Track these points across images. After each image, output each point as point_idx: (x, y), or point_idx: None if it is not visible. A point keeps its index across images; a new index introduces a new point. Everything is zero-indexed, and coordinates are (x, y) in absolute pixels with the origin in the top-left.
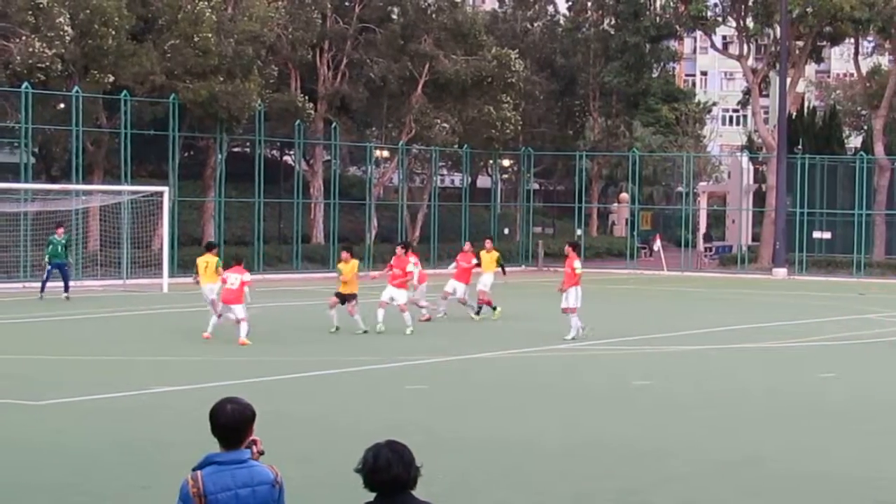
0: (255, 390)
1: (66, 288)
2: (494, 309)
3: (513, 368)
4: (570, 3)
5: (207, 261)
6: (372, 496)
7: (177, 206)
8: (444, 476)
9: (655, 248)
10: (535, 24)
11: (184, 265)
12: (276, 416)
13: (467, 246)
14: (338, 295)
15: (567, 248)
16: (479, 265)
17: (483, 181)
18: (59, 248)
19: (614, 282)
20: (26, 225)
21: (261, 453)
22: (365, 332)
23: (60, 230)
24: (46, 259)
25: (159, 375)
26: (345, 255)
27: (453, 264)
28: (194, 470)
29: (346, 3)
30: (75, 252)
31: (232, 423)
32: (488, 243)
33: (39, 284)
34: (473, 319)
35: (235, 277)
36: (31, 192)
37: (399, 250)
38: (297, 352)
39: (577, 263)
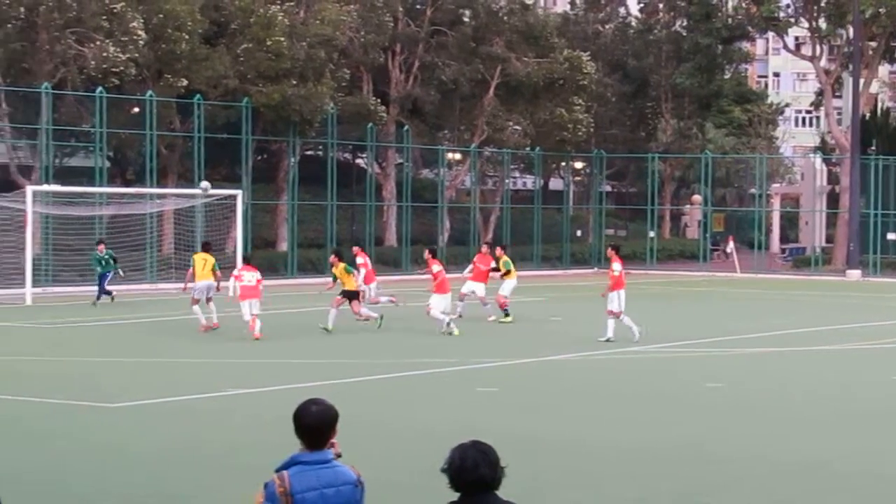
0: (327, 393)
1: (99, 296)
2: (506, 315)
3: (583, 371)
4: (641, 5)
5: (205, 258)
6: (455, 496)
7: (250, 210)
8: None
9: (728, 250)
10: (607, 26)
11: (258, 268)
12: (350, 419)
13: (485, 248)
14: (344, 293)
15: (609, 251)
16: (497, 269)
17: (555, 183)
18: (102, 262)
19: (687, 284)
20: (101, 228)
21: (338, 455)
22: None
23: (101, 247)
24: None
25: (232, 378)
26: (333, 258)
27: (470, 267)
28: (279, 470)
29: (418, 6)
30: (149, 255)
31: (316, 424)
32: (498, 251)
33: (109, 288)
34: (491, 321)
35: (251, 276)
36: (105, 195)
37: (484, 248)
38: (368, 354)
39: (616, 266)
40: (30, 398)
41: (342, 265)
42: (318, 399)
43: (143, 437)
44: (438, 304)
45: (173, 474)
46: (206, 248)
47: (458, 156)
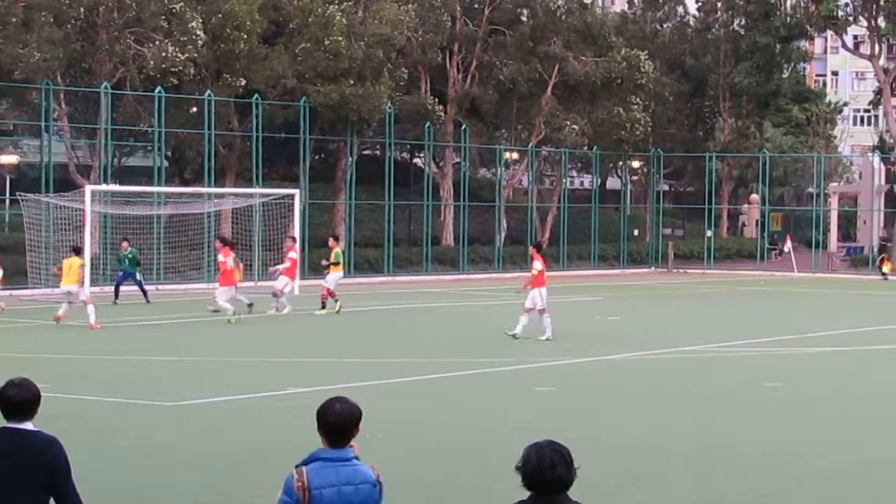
0: (384, 392)
1: (116, 295)
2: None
3: (642, 370)
4: (699, 4)
5: (71, 262)
6: (523, 494)
7: (308, 209)
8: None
9: (786, 249)
10: (665, 25)
11: (315, 267)
12: (410, 418)
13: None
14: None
15: (531, 249)
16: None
17: (612, 183)
18: (126, 261)
19: (745, 283)
20: (159, 228)
21: (355, 457)
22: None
23: (125, 244)
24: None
25: (291, 376)
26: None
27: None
28: (300, 465)
29: (476, 6)
30: (207, 255)
31: (340, 422)
32: (331, 241)
33: (167, 288)
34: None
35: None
36: (164, 195)
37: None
38: (427, 353)
39: (538, 264)
40: (89, 396)
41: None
42: (342, 397)
43: (202, 436)
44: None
45: (232, 473)
46: (77, 252)
47: (515, 155)
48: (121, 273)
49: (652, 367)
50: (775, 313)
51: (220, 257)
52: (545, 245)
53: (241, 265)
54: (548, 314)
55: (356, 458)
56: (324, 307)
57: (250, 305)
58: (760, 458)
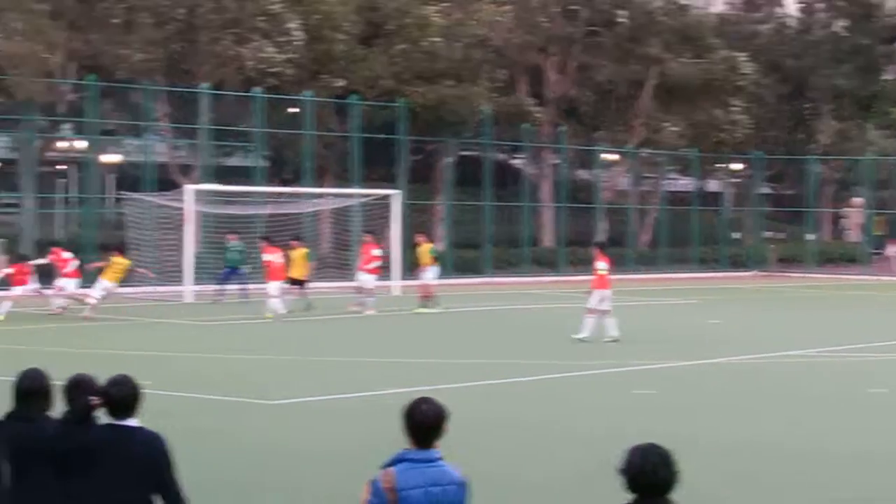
0: (483, 394)
1: (220, 293)
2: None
3: (744, 373)
4: (802, 5)
5: (120, 262)
6: (626, 497)
7: (406, 210)
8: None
9: (890, 253)
10: (765, 27)
11: (412, 268)
12: (508, 419)
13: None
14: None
15: (594, 250)
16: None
17: (713, 185)
18: (233, 253)
19: (848, 287)
20: (259, 227)
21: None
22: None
23: (233, 237)
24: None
25: (387, 377)
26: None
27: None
28: (386, 466)
29: (573, 7)
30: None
31: (426, 423)
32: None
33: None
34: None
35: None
36: (263, 195)
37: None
38: (524, 355)
39: (601, 265)
40: (190, 394)
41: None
42: (428, 398)
43: (301, 435)
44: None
45: (331, 472)
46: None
47: (614, 157)
48: (225, 269)
49: (754, 371)
50: (879, 318)
51: (266, 256)
52: (645, 246)
53: (311, 263)
54: (609, 317)
55: (441, 458)
56: (427, 306)
57: (307, 308)
58: (860, 464)
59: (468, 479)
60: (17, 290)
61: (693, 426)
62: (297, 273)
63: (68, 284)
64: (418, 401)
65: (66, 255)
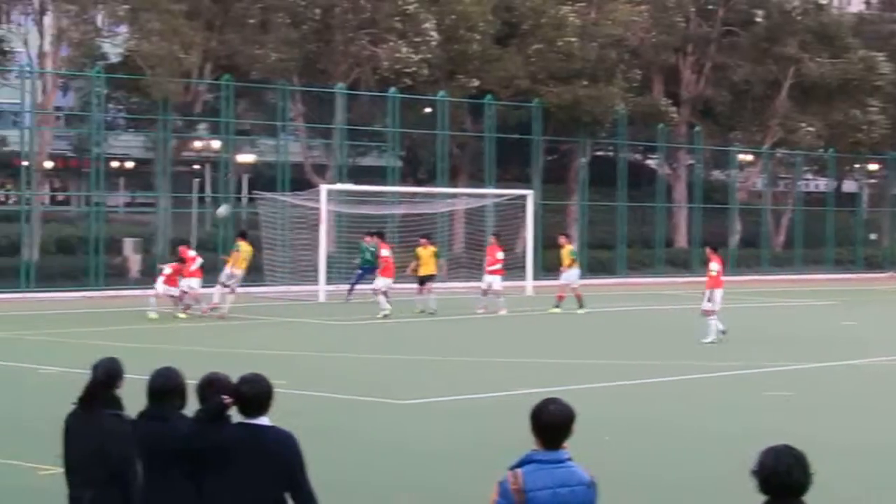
0: (612, 395)
1: (350, 292)
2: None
3: (878, 375)
4: None
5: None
6: (760, 498)
7: (540, 210)
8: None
9: None
10: None
11: (548, 268)
12: (643, 419)
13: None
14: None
15: (707, 250)
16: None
17: (848, 185)
18: (367, 254)
19: None
20: (393, 227)
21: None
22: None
23: (369, 238)
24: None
25: (519, 377)
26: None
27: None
28: (514, 468)
29: (710, 7)
30: (440, 254)
31: (553, 424)
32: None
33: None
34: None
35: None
36: (397, 194)
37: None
38: (652, 356)
39: (714, 265)
40: (324, 393)
41: (432, 248)
42: (555, 398)
43: (432, 435)
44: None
45: (461, 472)
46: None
47: (749, 157)
48: (359, 270)
49: (890, 373)
50: None
51: (383, 252)
52: (779, 247)
53: (441, 262)
54: (714, 317)
55: (570, 459)
56: (581, 306)
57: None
58: None
59: (596, 480)
60: (172, 290)
61: (827, 428)
62: (425, 271)
63: (192, 283)
64: (546, 401)
65: (192, 253)
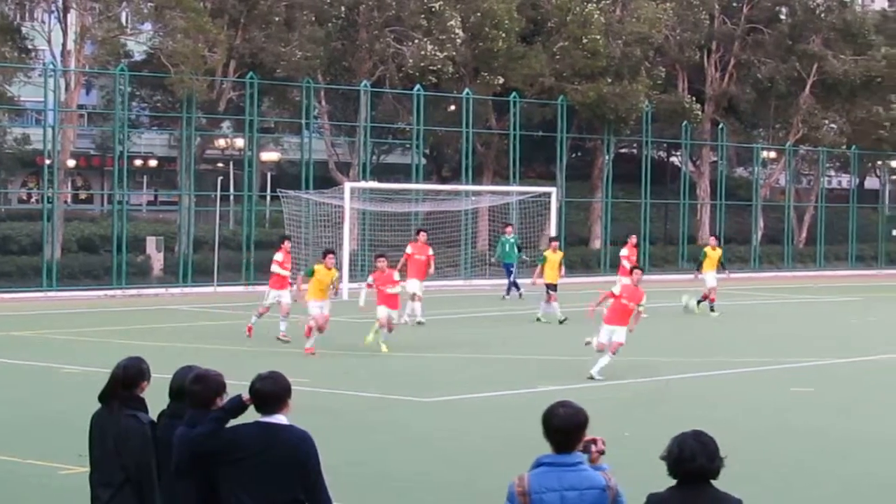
0: (635, 391)
1: (508, 289)
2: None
3: None
4: None
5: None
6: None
7: (564, 207)
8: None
9: None
10: None
11: (571, 265)
12: (662, 417)
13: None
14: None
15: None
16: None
17: (871, 182)
18: (507, 247)
19: None
20: (417, 224)
21: (601, 453)
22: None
23: (509, 229)
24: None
25: (547, 374)
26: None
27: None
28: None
29: (734, 4)
30: (464, 252)
31: (563, 427)
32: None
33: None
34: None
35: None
36: (422, 192)
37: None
38: (677, 352)
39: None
40: (347, 391)
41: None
42: (567, 402)
43: (458, 431)
44: None
45: (487, 469)
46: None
47: (773, 154)
48: (505, 264)
49: None
50: None
51: (409, 250)
52: (802, 244)
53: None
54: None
55: (595, 456)
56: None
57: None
58: None
59: (615, 485)
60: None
61: (851, 422)
62: (551, 278)
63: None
64: (556, 405)
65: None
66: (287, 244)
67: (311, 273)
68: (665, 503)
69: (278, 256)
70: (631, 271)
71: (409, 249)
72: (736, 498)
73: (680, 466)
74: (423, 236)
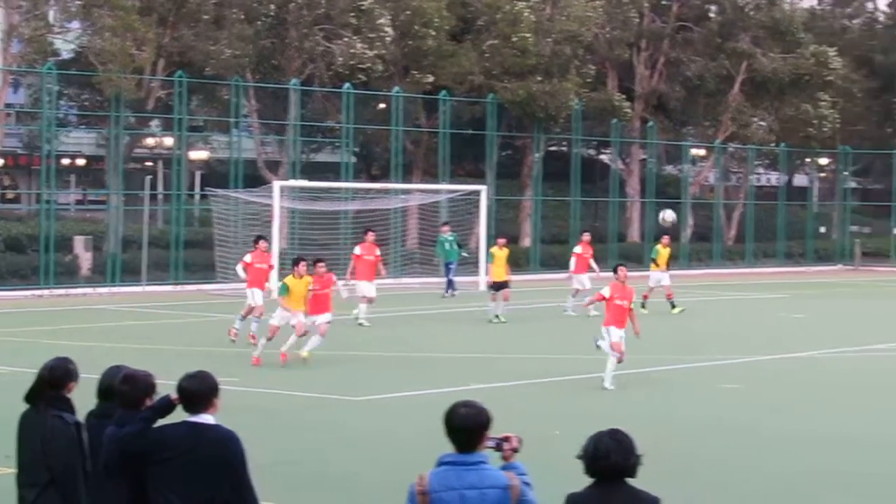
0: (578, 388)
1: (447, 288)
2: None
3: (827, 367)
4: (890, 0)
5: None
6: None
7: (494, 205)
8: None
9: None
10: (854, 21)
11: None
12: (593, 415)
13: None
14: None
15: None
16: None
17: (799, 180)
18: (447, 245)
19: None
20: (346, 223)
21: (514, 450)
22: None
23: (445, 228)
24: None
25: (478, 373)
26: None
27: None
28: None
29: (664, 2)
30: (393, 250)
31: (464, 427)
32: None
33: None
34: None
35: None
36: (351, 190)
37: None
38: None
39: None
40: (281, 391)
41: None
42: (468, 401)
43: (391, 430)
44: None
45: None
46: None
47: (702, 152)
48: (446, 263)
49: (839, 365)
50: None
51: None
52: (731, 241)
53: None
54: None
55: (508, 454)
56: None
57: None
58: None
59: (516, 483)
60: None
61: (781, 419)
62: (497, 276)
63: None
64: (457, 405)
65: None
66: (263, 244)
67: (285, 290)
68: (582, 502)
69: (247, 258)
70: (615, 269)
71: (357, 250)
72: (653, 496)
73: (595, 464)
74: (371, 236)
